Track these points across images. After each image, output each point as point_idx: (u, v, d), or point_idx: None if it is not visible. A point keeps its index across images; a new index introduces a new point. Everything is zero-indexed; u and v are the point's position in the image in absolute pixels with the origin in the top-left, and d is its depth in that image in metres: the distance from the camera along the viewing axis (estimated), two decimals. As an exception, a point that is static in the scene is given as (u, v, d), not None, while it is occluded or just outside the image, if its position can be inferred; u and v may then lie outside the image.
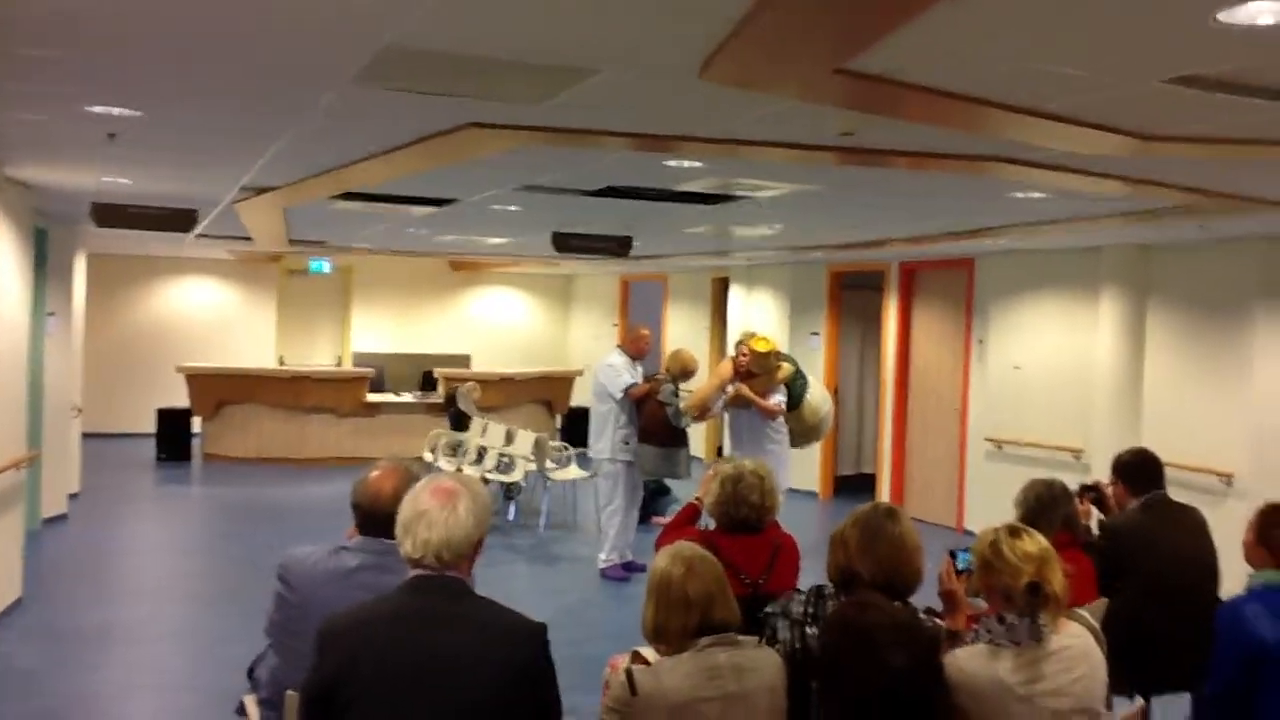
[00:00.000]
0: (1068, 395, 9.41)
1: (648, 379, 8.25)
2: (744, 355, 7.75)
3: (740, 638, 2.87)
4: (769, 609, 3.07)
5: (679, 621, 2.80)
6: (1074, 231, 7.78)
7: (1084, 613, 3.50)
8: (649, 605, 2.87)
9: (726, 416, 8.29)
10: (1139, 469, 4.65)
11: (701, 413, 8.04)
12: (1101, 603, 4.12)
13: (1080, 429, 9.17)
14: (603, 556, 8.41)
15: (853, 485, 12.48)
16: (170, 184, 7.02)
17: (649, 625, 2.86)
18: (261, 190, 7.08)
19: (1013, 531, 3.08)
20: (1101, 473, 6.10)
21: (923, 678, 2.55)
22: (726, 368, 7.89)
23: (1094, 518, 4.75)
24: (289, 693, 3.02)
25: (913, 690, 2.63)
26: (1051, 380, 9.65)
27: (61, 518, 9.82)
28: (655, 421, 8.03)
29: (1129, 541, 4.44)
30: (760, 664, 2.83)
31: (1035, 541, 3.04)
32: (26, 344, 7.78)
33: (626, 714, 2.72)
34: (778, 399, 7.66)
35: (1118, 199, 6.06)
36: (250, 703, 3.48)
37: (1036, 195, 6.07)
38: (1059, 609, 2.98)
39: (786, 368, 7.68)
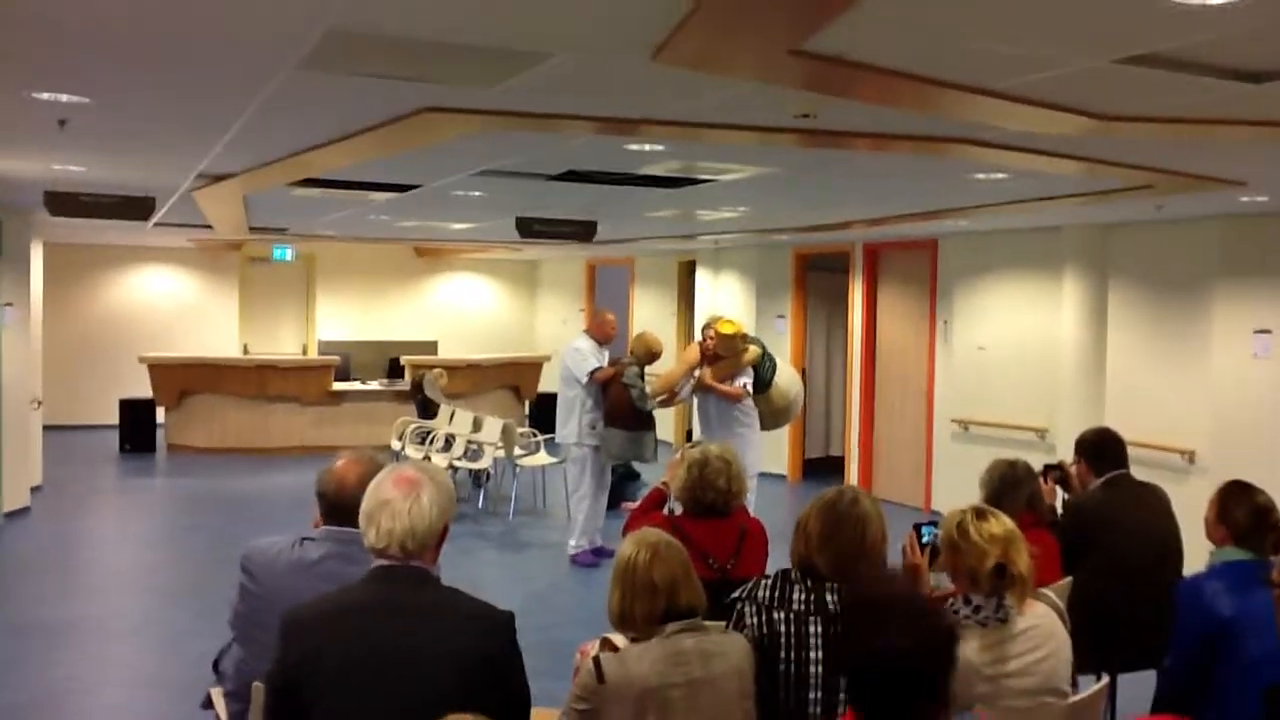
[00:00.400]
0: (1032, 375, 9.49)
1: (613, 363, 8.24)
2: (711, 339, 7.75)
3: (707, 623, 2.87)
4: (736, 594, 3.07)
5: (645, 607, 2.80)
6: (1035, 211, 7.83)
7: (1049, 592, 3.53)
8: (614, 591, 2.87)
9: (695, 401, 8.28)
10: (1101, 448, 4.69)
11: (669, 397, 8.03)
12: (1067, 582, 4.16)
13: (1045, 408, 9.25)
14: (572, 543, 8.41)
15: (821, 468, 12.54)
16: (125, 171, 6.91)
17: (615, 611, 2.87)
18: (219, 177, 7.00)
19: (978, 513, 3.09)
20: (1066, 452, 6.16)
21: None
22: (693, 352, 7.89)
23: (1059, 497, 4.80)
24: (255, 684, 3.00)
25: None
26: (1015, 360, 9.73)
27: (24, 511, 9.71)
28: (620, 405, 8.02)
29: (1091, 520, 4.49)
30: (727, 648, 2.84)
31: (1001, 523, 3.06)
32: (-18, 336, 7.68)
33: (594, 702, 2.71)
34: (744, 381, 7.65)
35: (1076, 179, 6.09)
36: (216, 695, 3.46)
37: (997, 176, 6.09)
38: (1025, 590, 3.00)
39: (753, 350, 7.68)
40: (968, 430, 10.15)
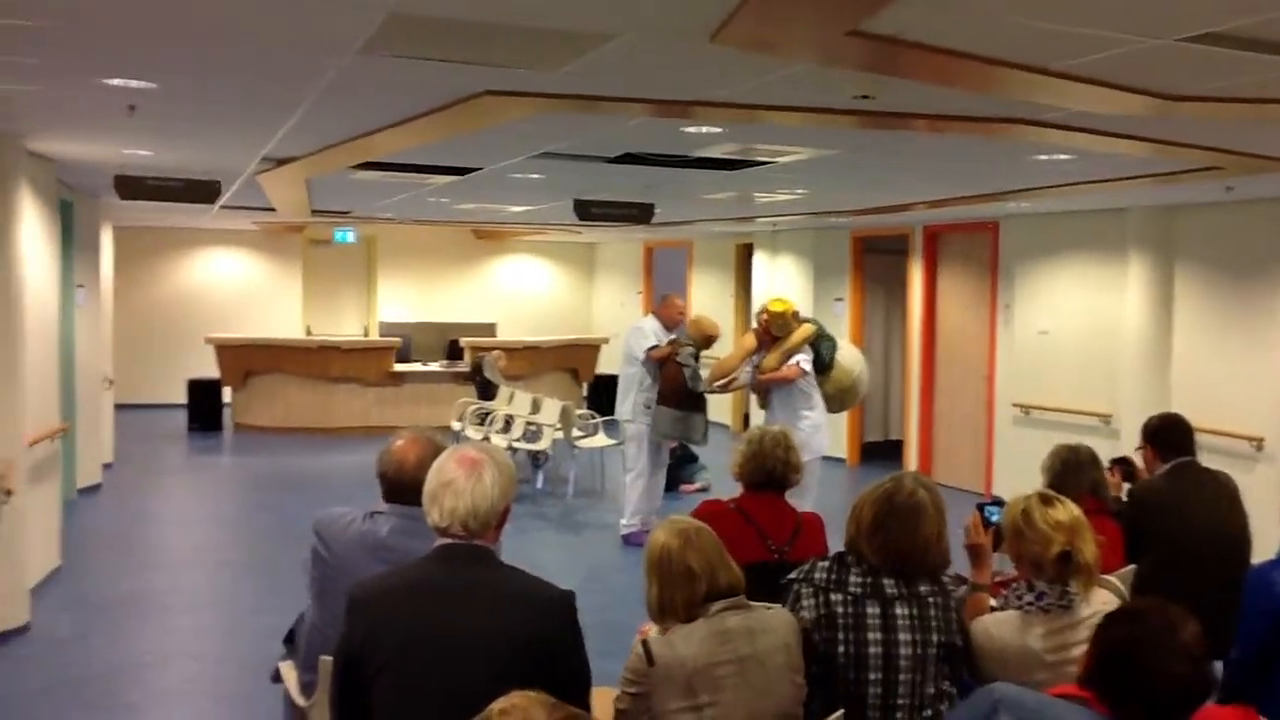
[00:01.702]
0: (1095, 359, 9.35)
1: (671, 342, 8.24)
2: (764, 320, 7.70)
3: (750, 602, 2.88)
4: (792, 575, 3.07)
5: (685, 594, 2.79)
6: (1099, 193, 7.70)
7: (1114, 579, 3.51)
8: (651, 583, 2.84)
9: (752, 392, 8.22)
10: (1168, 434, 4.61)
11: (727, 383, 7.98)
12: (1130, 570, 4.12)
13: (1108, 394, 9.11)
14: (624, 521, 8.45)
15: (880, 452, 12.47)
16: (192, 156, 7.05)
17: (654, 603, 2.84)
18: (283, 161, 7.10)
19: (1044, 499, 3.07)
20: (1130, 438, 6.07)
21: None
22: (750, 339, 7.84)
23: (1124, 490, 4.73)
24: (323, 658, 3.07)
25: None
26: (1079, 344, 9.58)
27: (96, 488, 9.96)
28: (673, 384, 8.03)
29: (1154, 508, 4.41)
30: (772, 625, 2.84)
31: (1067, 510, 3.03)
32: (57, 317, 7.86)
33: (645, 684, 2.74)
34: (799, 358, 7.53)
35: (1142, 160, 5.98)
36: (286, 669, 3.54)
37: (1060, 157, 6.00)
38: (1090, 577, 2.97)
39: (808, 327, 7.59)
40: (1029, 415, 10.03)
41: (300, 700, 3.35)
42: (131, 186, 7.62)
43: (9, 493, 5.61)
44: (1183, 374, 8.58)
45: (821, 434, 7.56)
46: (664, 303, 8.61)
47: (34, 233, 6.83)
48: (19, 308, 6.00)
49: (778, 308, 7.58)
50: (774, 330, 7.56)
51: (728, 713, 2.71)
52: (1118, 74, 3.82)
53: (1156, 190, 7.46)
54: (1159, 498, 4.46)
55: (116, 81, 4.44)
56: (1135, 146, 5.36)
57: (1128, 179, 6.92)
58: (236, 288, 16.46)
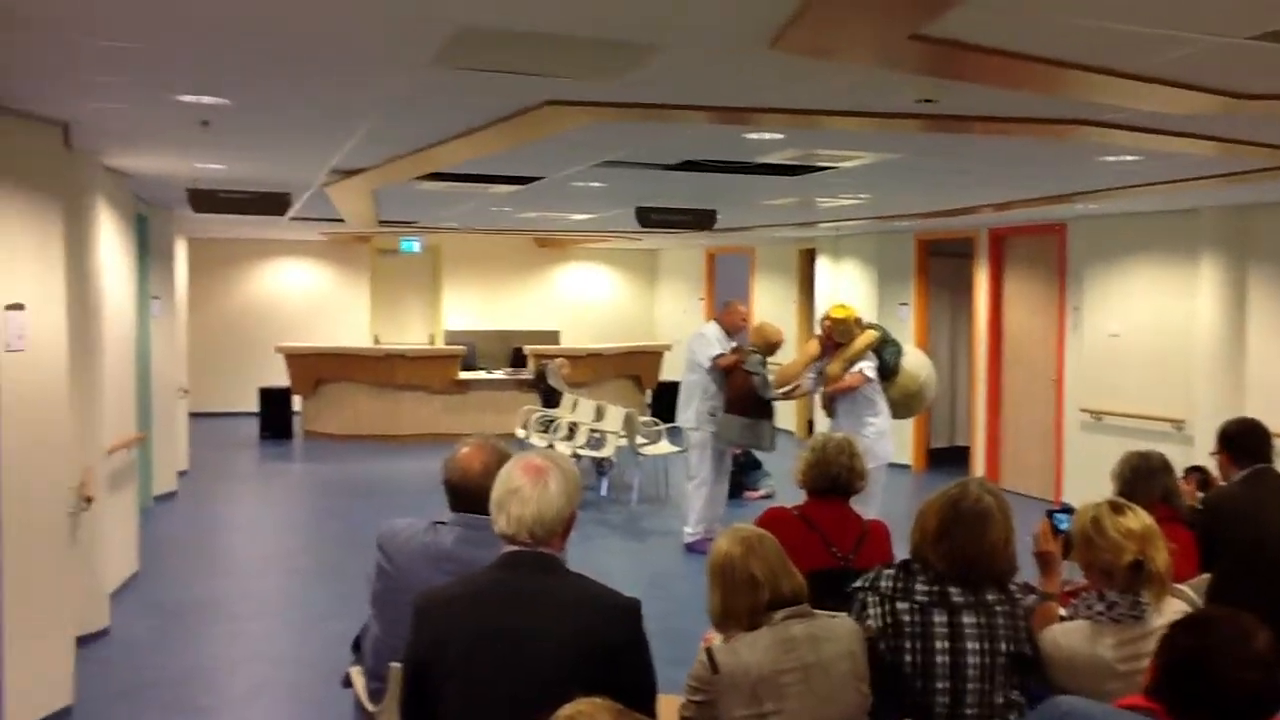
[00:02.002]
0: (1168, 363, 9.16)
1: (735, 350, 8.23)
2: (827, 327, 7.68)
3: (814, 610, 2.87)
4: (857, 584, 3.06)
5: (748, 602, 2.79)
6: (1169, 194, 7.55)
7: (1186, 589, 3.44)
8: (714, 591, 2.85)
9: (818, 397, 8.18)
10: (1244, 440, 4.51)
11: (790, 390, 7.96)
12: (1204, 579, 4.03)
13: (1181, 398, 8.93)
14: (688, 530, 8.43)
15: (946, 458, 12.33)
16: (262, 169, 7.20)
17: (716, 611, 2.85)
18: (350, 173, 7.23)
19: (1115, 507, 3.02)
20: (1204, 443, 5.94)
21: None
22: (813, 346, 7.82)
23: (1199, 499, 4.65)
24: (393, 665, 3.11)
25: None
26: (1150, 348, 9.40)
27: (171, 495, 10.19)
28: (741, 392, 8.01)
29: (1229, 515, 4.32)
30: (836, 633, 2.83)
31: (1139, 518, 2.98)
32: (134, 328, 8.07)
33: (710, 692, 2.74)
34: (861, 366, 7.50)
35: (1210, 160, 5.86)
36: (355, 674, 3.58)
37: (1127, 158, 5.90)
38: (1162, 587, 2.92)
39: (870, 333, 7.54)
40: (1099, 420, 9.86)
41: (369, 706, 3.40)
42: (204, 199, 7.80)
43: (89, 500, 5.76)
44: (1258, 377, 8.38)
45: (886, 441, 7.51)
46: (726, 309, 8.59)
47: (112, 246, 7.02)
48: (98, 319, 6.17)
49: (839, 314, 7.55)
50: (836, 337, 7.54)
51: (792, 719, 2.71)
52: (1186, 73, 3.76)
53: (1228, 190, 7.30)
54: (1234, 504, 4.37)
55: (190, 98, 4.56)
56: (1204, 146, 5.26)
57: (1197, 179, 6.78)
58: (306, 297, 16.75)
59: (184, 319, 11.68)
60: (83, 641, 5.77)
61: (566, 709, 1.76)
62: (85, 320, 5.97)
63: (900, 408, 7.71)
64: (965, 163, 6.47)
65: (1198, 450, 7.34)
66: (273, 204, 8.06)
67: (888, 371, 7.55)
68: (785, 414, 13.37)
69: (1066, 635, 2.94)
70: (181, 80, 4.26)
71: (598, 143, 5.84)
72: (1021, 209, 9.07)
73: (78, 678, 5.33)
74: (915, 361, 7.66)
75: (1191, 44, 3.32)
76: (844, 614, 2.97)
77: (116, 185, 7.29)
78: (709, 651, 2.76)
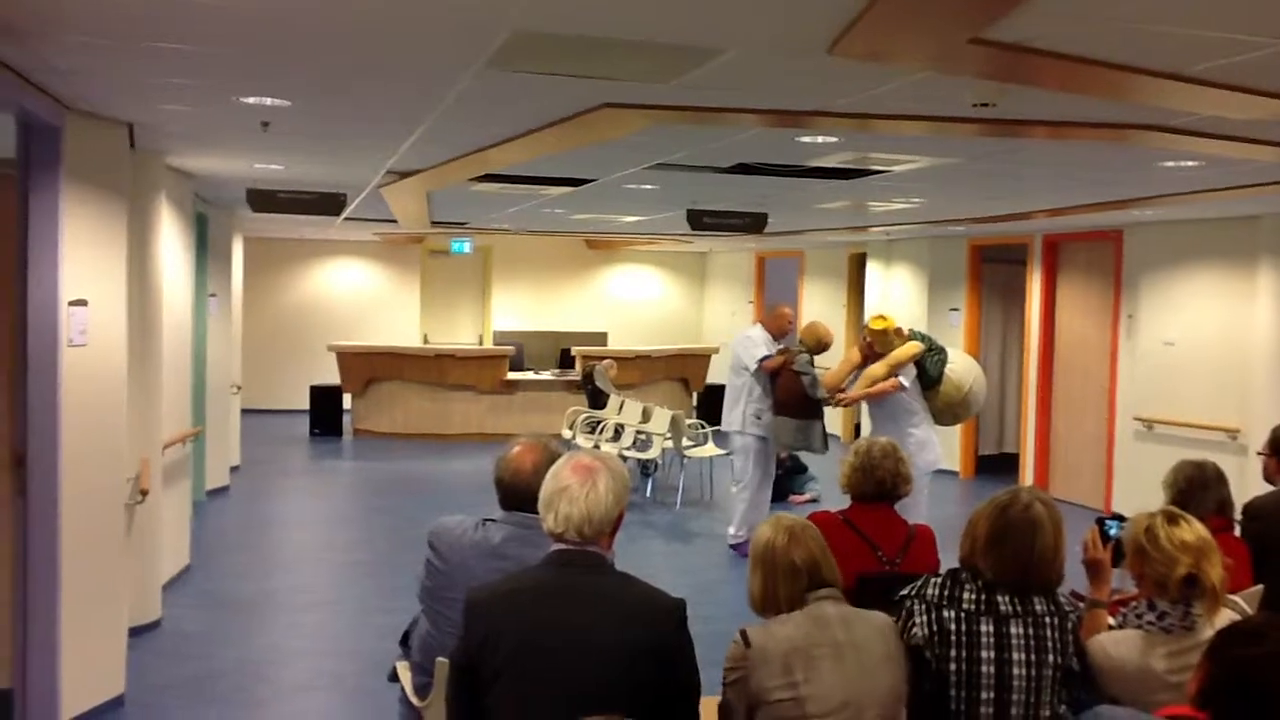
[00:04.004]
0: (1224, 372, 9.01)
1: (782, 351, 8.20)
2: (867, 336, 7.68)
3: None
4: (904, 592, 3.04)
5: (788, 589, 2.85)
6: (1229, 200, 7.43)
7: (1239, 599, 3.39)
8: (755, 576, 2.93)
9: (864, 404, 8.14)
10: (1293, 447, 4.44)
11: (833, 394, 7.94)
12: (1258, 590, 3.97)
13: (1237, 408, 8.78)
14: (732, 531, 8.44)
15: (995, 465, 12.22)
16: (320, 169, 7.30)
17: (757, 595, 2.92)
18: (405, 174, 7.31)
19: (1169, 518, 2.98)
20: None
21: None
22: (855, 355, 7.82)
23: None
24: (439, 660, 3.14)
25: None
26: (1206, 357, 9.25)
27: (224, 490, 10.35)
28: (791, 394, 7.97)
29: (1272, 521, 4.25)
30: (869, 619, 2.88)
31: (1194, 530, 2.94)
32: (191, 325, 8.21)
33: (744, 669, 2.77)
34: (902, 375, 7.47)
35: (1275, 165, 5.77)
36: (402, 669, 3.63)
37: (1188, 163, 5.82)
38: (1215, 601, 2.88)
39: (913, 345, 7.50)
40: (1152, 429, 9.72)
41: (416, 701, 3.44)
42: (263, 199, 7.93)
43: (145, 493, 5.87)
44: (1319, 389, 8.22)
45: (929, 450, 7.46)
46: (773, 313, 8.56)
47: (172, 244, 7.15)
48: (158, 316, 6.28)
49: (878, 325, 7.57)
50: (877, 348, 7.55)
51: (825, 693, 2.73)
52: (1252, 78, 3.70)
53: (1292, 197, 7.18)
54: (1275, 511, 4.29)
55: (252, 100, 4.64)
56: (1266, 152, 5.18)
57: (1259, 185, 6.67)
58: (358, 297, 16.94)
59: (239, 317, 11.85)
60: (135, 632, 5.88)
61: None
62: (145, 317, 6.08)
63: (945, 415, 7.67)
64: (1021, 167, 6.41)
65: (1253, 461, 7.21)
66: (329, 204, 8.17)
67: (930, 381, 7.51)
68: (832, 418, 13.32)
69: (1117, 645, 2.91)
70: (244, 83, 4.34)
71: (652, 145, 5.86)
72: (1077, 215, 8.97)
73: (129, 668, 5.43)
74: (961, 370, 7.58)
75: (1257, 47, 3.27)
76: (905, 631, 2.96)
77: (178, 185, 7.42)
78: (742, 631, 2.82)
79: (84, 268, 4.98)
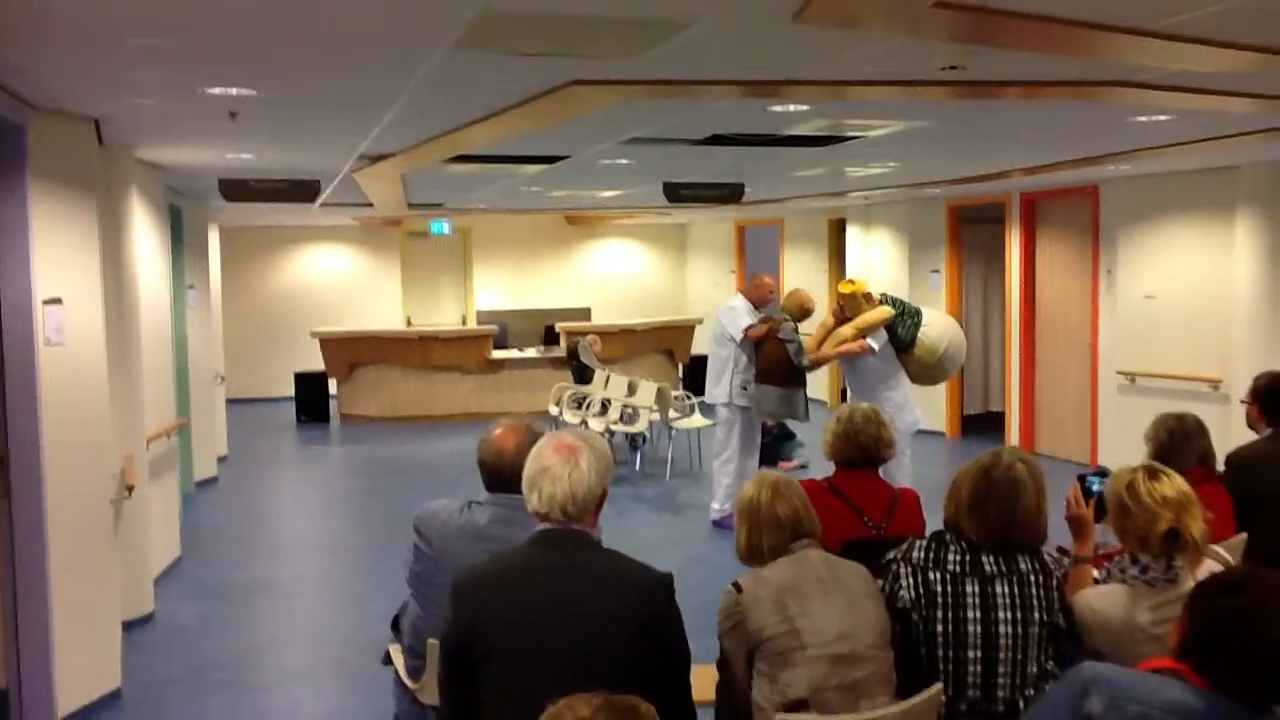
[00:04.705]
0: (1204, 323, 9.07)
1: (765, 319, 8.19)
2: (839, 303, 7.71)
3: None
4: (890, 555, 3.07)
5: (772, 540, 3.04)
6: (1204, 152, 7.45)
7: (1221, 550, 3.42)
8: (741, 529, 3.11)
9: (842, 364, 8.17)
10: (1275, 395, 4.46)
11: (814, 361, 7.96)
12: (1241, 539, 4.01)
13: (1218, 358, 8.84)
14: (716, 505, 8.38)
15: (980, 424, 12.29)
16: (291, 157, 7.25)
17: (742, 547, 3.11)
18: (378, 158, 7.27)
19: (1150, 473, 3.00)
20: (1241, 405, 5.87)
21: None
22: (829, 319, 7.84)
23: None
24: (430, 642, 3.16)
25: None
26: (1186, 308, 9.31)
27: (212, 481, 10.34)
28: (775, 362, 7.97)
29: (1256, 471, 4.29)
30: (846, 562, 3.06)
31: (1174, 484, 2.96)
32: (170, 317, 8.17)
33: (737, 615, 2.92)
34: (871, 339, 7.50)
35: (1248, 116, 5.78)
36: (395, 652, 3.65)
37: (1159, 118, 5.83)
38: (1197, 554, 2.92)
39: (882, 310, 7.51)
40: (1135, 383, 9.78)
41: (409, 683, 3.47)
42: (236, 189, 7.88)
43: (131, 488, 5.87)
44: (1298, 336, 8.28)
45: (908, 411, 7.50)
46: (753, 282, 8.53)
47: (146, 238, 7.11)
48: (135, 310, 6.26)
49: (846, 289, 7.64)
50: (848, 312, 7.58)
51: (821, 624, 2.86)
52: (1220, 30, 3.70)
53: (1266, 146, 7.19)
54: (1259, 460, 4.33)
55: (218, 90, 4.60)
56: (1238, 103, 5.19)
57: (1234, 136, 6.69)
58: (338, 282, 16.87)
59: (219, 307, 11.80)
60: (128, 627, 5.89)
61: (555, 707, 1.76)
62: (122, 312, 6.06)
63: (922, 377, 7.71)
64: (995, 128, 6.42)
65: (1235, 410, 7.27)
66: (303, 191, 8.13)
67: (903, 345, 7.53)
68: (817, 383, 13.36)
69: (1101, 599, 2.95)
70: (208, 73, 4.30)
71: (624, 120, 5.84)
72: (1053, 172, 8.99)
73: (125, 662, 5.44)
74: (936, 333, 7.56)
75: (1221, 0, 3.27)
76: (891, 592, 3.03)
77: (149, 178, 7.37)
78: (734, 582, 2.98)
79: (57, 266, 4.95)
